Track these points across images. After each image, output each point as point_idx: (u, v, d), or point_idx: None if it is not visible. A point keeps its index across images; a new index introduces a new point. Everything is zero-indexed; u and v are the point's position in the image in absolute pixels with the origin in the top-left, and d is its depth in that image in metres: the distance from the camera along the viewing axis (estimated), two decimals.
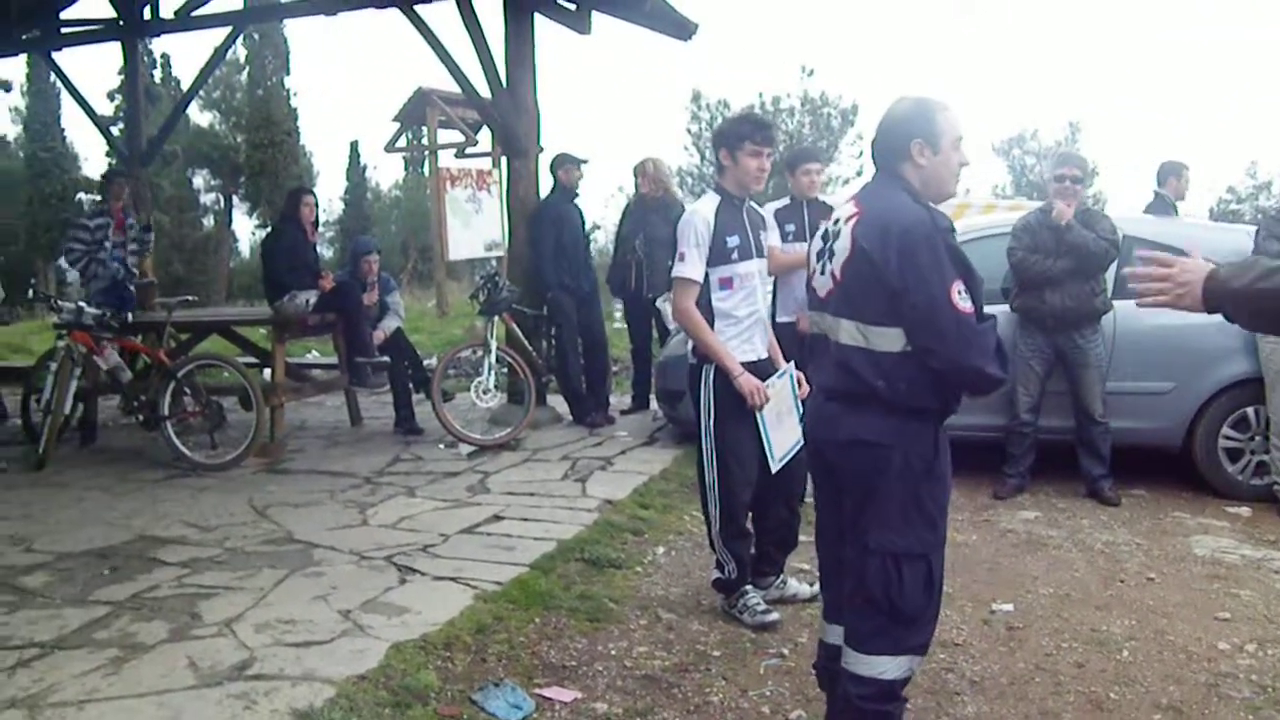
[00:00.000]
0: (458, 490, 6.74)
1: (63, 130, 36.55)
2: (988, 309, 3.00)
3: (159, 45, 33.79)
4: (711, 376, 4.56)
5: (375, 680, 3.81)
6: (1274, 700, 3.90)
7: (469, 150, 16.92)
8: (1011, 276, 6.72)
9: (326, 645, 4.13)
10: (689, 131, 29.66)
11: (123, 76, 12.34)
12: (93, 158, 41.25)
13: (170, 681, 3.77)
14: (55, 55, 11.74)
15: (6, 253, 36.31)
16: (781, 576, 5.00)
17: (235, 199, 36.94)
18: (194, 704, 3.59)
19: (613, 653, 4.32)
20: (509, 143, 9.09)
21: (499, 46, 8.74)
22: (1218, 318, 2.57)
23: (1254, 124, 58.39)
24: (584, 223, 9.19)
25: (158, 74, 34.65)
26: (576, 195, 9.00)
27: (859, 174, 28.90)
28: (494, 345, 8.35)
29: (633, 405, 9.41)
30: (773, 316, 5.01)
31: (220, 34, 11.10)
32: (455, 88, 9.35)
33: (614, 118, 66.41)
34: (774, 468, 4.52)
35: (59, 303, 8.05)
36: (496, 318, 8.41)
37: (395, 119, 17.55)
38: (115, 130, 16.75)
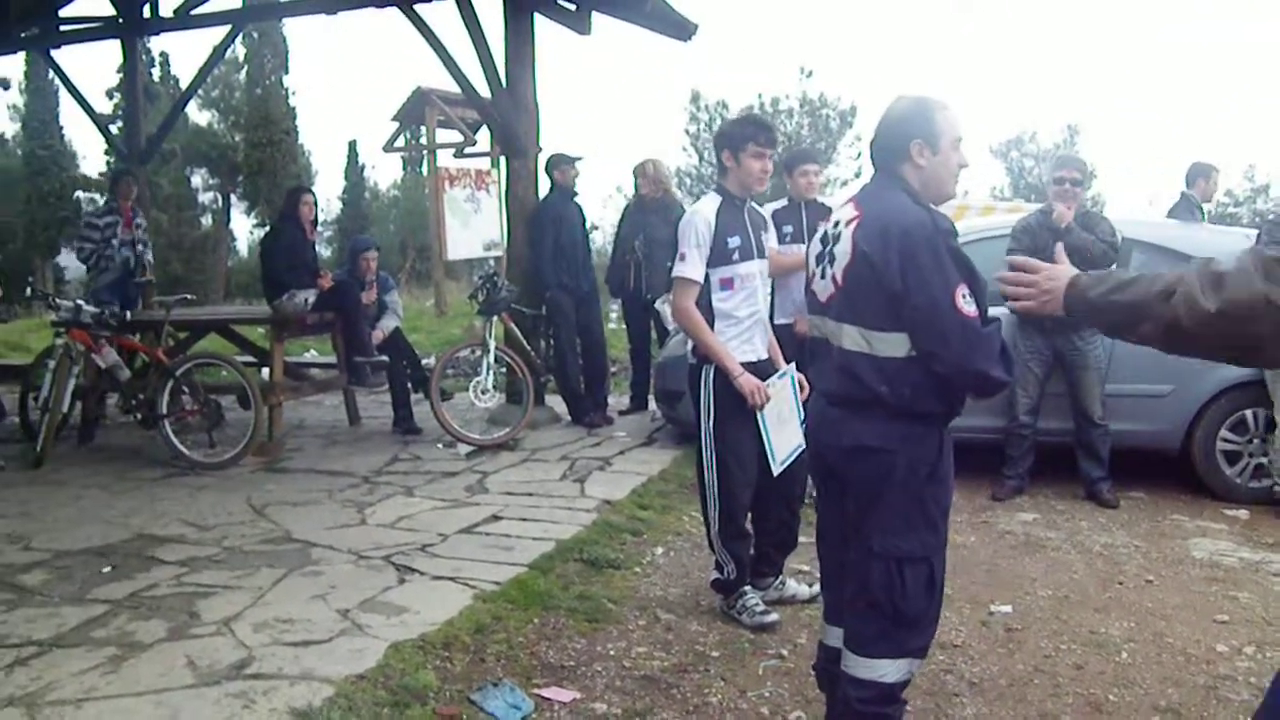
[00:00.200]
0: (456, 490, 6.74)
1: (61, 128, 36.50)
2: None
3: (158, 44, 33.83)
4: (711, 377, 4.56)
5: (374, 680, 3.81)
6: None
7: (468, 150, 16.92)
8: None
9: (325, 645, 4.12)
10: (687, 132, 29.65)
11: (122, 75, 12.28)
12: (91, 156, 41.22)
13: (168, 680, 3.77)
14: (54, 53, 11.72)
15: (5, 251, 36.26)
16: (780, 577, 5.00)
17: (233, 198, 36.92)
18: (192, 703, 3.59)
19: (611, 653, 4.32)
20: (508, 142, 9.08)
21: (499, 46, 8.74)
22: None
23: (1251, 126, 58.43)
24: (584, 222, 9.19)
25: (156, 72, 34.64)
26: (575, 194, 9.00)
27: (857, 175, 28.86)
28: (492, 345, 8.35)
29: (631, 406, 9.41)
30: (770, 319, 5.00)
31: (219, 32, 11.09)
32: (454, 87, 9.35)
33: (613, 118, 66.53)
34: (775, 470, 4.52)
35: (57, 301, 8.06)
36: (495, 317, 8.41)
37: (394, 118, 17.54)
38: (114, 128, 16.72)
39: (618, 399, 9.64)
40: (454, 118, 16.34)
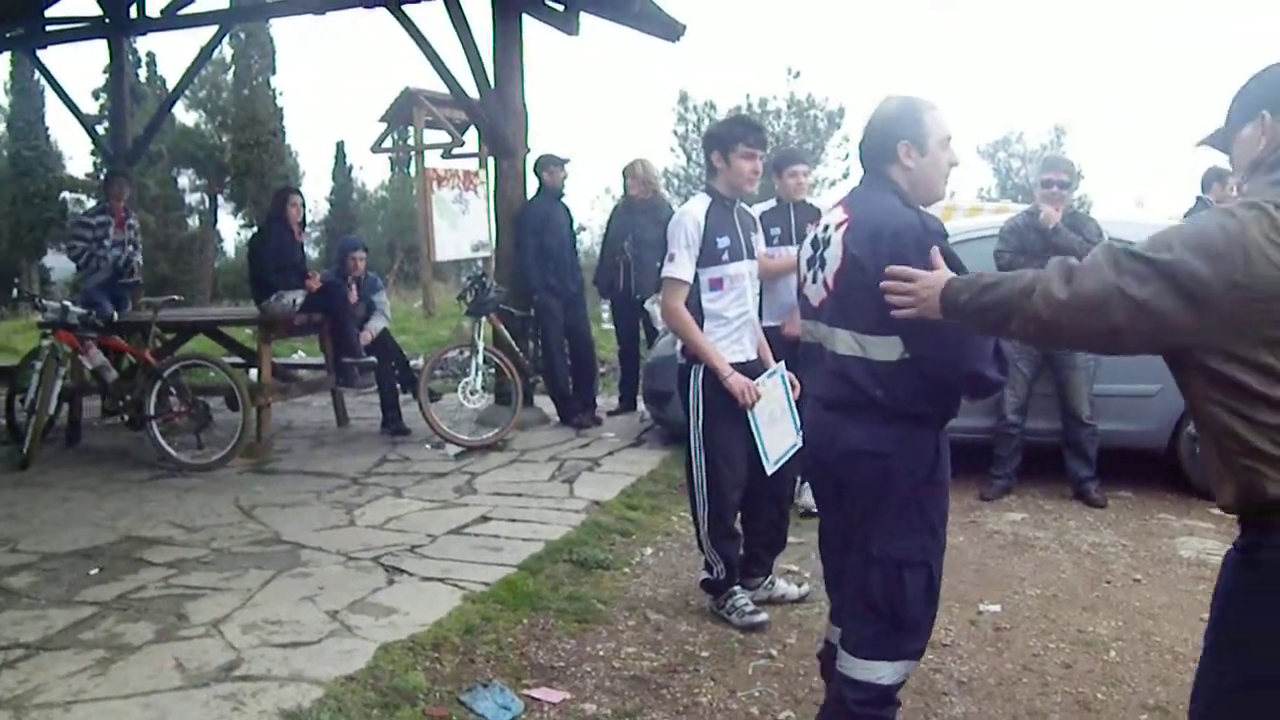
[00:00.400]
0: (445, 491, 6.73)
1: (47, 129, 36.32)
2: None
3: (145, 44, 33.65)
4: (700, 377, 4.57)
5: (363, 681, 3.81)
6: None
7: (456, 151, 16.88)
8: None
9: (314, 646, 4.12)
10: (675, 133, 29.66)
11: (108, 75, 12.26)
12: (77, 157, 41.03)
13: (157, 682, 3.76)
14: (40, 53, 11.67)
15: None
16: (770, 577, 5.00)
17: (220, 199, 36.78)
18: (181, 705, 3.59)
19: (601, 653, 4.32)
20: (496, 143, 9.08)
21: (487, 47, 8.73)
22: None
23: None
24: (572, 223, 9.18)
25: (143, 73, 34.50)
26: (563, 195, 9.00)
27: (845, 176, 28.89)
28: (481, 346, 8.34)
29: (620, 406, 9.41)
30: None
31: (206, 33, 11.06)
32: (442, 88, 9.34)
33: (601, 119, 66.55)
34: (769, 470, 4.51)
35: (43, 302, 8.04)
36: (483, 318, 8.40)
37: (382, 119, 17.51)
38: (100, 129, 16.68)
39: (606, 400, 9.63)
40: (442, 118, 16.31)
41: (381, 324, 8.97)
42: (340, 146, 41.97)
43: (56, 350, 7.66)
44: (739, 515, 4.82)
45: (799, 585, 5.07)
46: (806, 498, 6.32)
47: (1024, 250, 6.58)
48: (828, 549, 3.39)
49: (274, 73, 35.85)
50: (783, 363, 4.79)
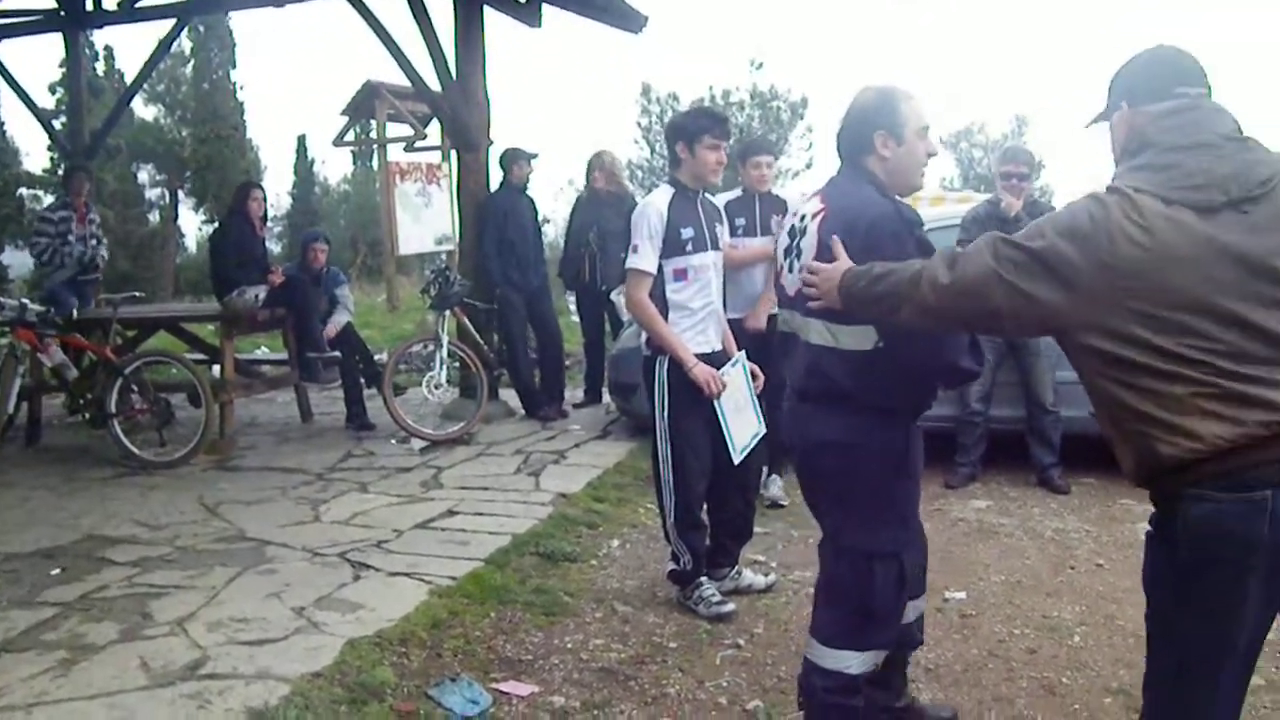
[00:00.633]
0: (411, 485, 6.71)
1: (2, 124, 35.84)
2: None
3: (102, 37, 33.20)
4: (665, 368, 4.57)
5: (330, 678, 3.80)
6: None
7: (418, 144, 16.82)
8: None
9: (280, 643, 4.10)
10: (639, 125, 29.61)
11: (64, 69, 12.10)
12: (34, 152, 40.56)
13: (122, 682, 3.73)
14: None
15: None
16: (737, 568, 5.02)
17: (181, 194, 36.40)
18: (146, 705, 3.56)
19: (569, 646, 4.32)
20: (459, 136, 9.05)
21: (449, 39, 8.69)
22: None
23: None
24: (536, 215, 9.16)
25: (101, 66, 34.05)
26: (526, 188, 8.98)
27: (809, 166, 28.98)
28: (445, 340, 8.32)
29: (585, 399, 9.41)
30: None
31: (165, 26, 10.97)
32: (404, 81, 9.27)
33: (564, 111, 66.32)
34: (736, 459, 4.52)
35: (1, 300, 7.93)
36: (448, 312, 8.37)
37: (343, 112, 17.40)
38: (57, 124, 16.47)
39: (572, 392, 9.62)
40: (404, 111, 16.25)
41: (345, 318, 8.91)
42: (302, 140, 41.56)
43: (15, 348, 7.56)
44: (705, 506, 4.84)
45: (765, 575, 5.08)
46: (773, 489, 6.35)
47: None
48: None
49: (234, 66, 35.47)
50: (743, 352, 4.81)
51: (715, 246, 4.71)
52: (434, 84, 8.78)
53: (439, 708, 3.70)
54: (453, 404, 8.60)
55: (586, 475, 6.87)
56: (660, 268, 4.56)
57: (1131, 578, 5.12)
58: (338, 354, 8.60)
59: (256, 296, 8.26)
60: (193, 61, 35.11)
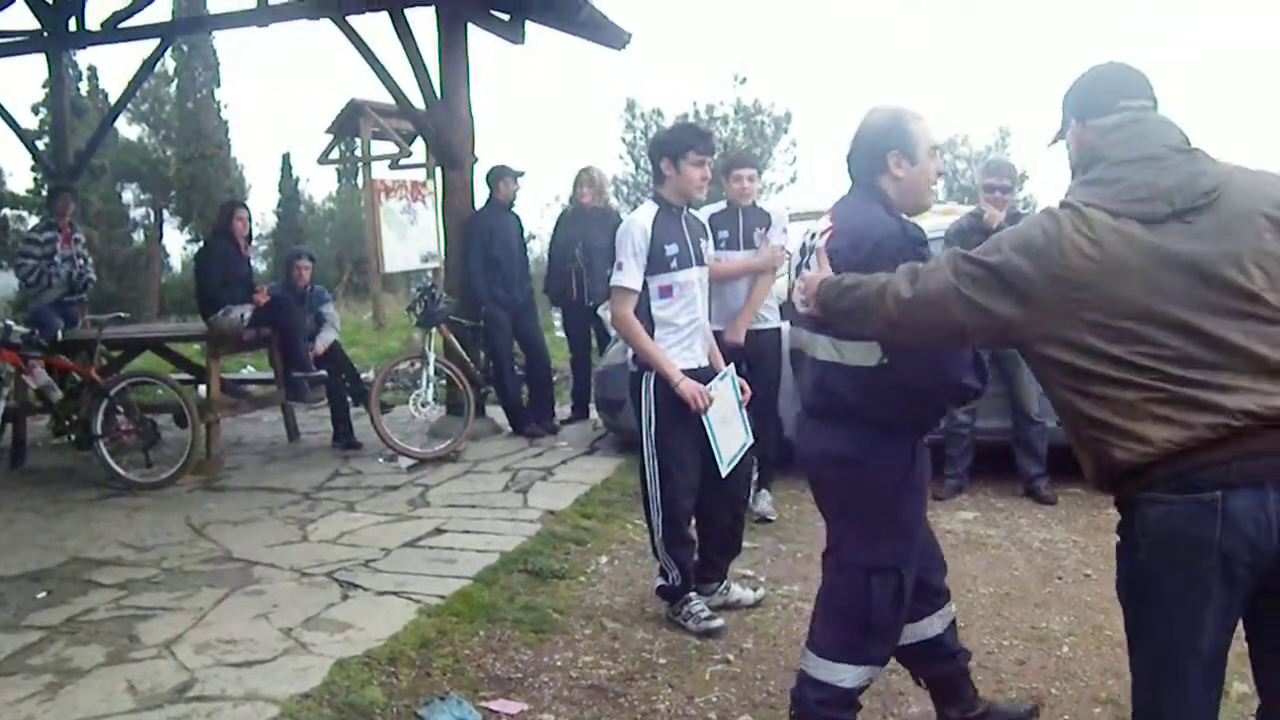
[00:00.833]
0: (398, 504, 6.70)
1: None
2: None
3: (85, 57, 33.09)
4: (652, 384, 4.58)
5: (319, 698, 3.79)
6: None
7: (403, 161, 16.82)
8: None
9: (269, 664, 4.09)
10: (624, 140, 29.61)
11: (47, 89, 12.08)
12: (17, 173, 40.31)
13: (109, 706, 3.72)
14: None
15: None
16: (725, 582, 5.02)
17: (166, 213, 36.30)
18: None
19: (558, 663, 4.31)
20: (444, 154, 9.05)
21: (433, 57, 8.70)
22: None
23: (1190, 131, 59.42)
24: (522, 232, 9.17)
25: (84, 86, 33.97)
26: (512, 205, 8.99)
27: (793, 180, 29.02)
28: (432, 357, 8.31)
29: (573, 415, 9.40)
30: None
31: (149, 45, 10.94)
32: (388, 99, 9.29)
33: (549, 127, 66.34)
34: (724, 472, 4.54)
35: None
36: (434, 329, 8.37)
37: (328, 131, 17.39)
38: (40, 144, 16.43)
39: (559, 408, 9.61)
40: (389, 129, 16.25)
41: (332, 336, 8.89)
42: (286, 159, 41.50)
43: None
44: (693, 521, 4.84)
45: (754, 590, 5.09)
46: (762, 504, 6.35)
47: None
48: None
49: (218, 85, 35.45)
50: (732, 365, 4.83)
51: (700, 262, 4.73)
52: (418, 102, 8.79)
53: None
54: (440, 422, 8.59)
55: (574, 492, 6.86)
56: (645, 284, 4.57)
57: None
58: (324, 373, 8.59)
59: (242, 316, 8.24)
60: (177, 81, 35.07)
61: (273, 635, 4.39)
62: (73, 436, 7.67)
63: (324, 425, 9.14)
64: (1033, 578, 5.35)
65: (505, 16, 9.02)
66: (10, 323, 7.74)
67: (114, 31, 10.55)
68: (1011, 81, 67.23)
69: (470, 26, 8.86)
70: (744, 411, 4.74)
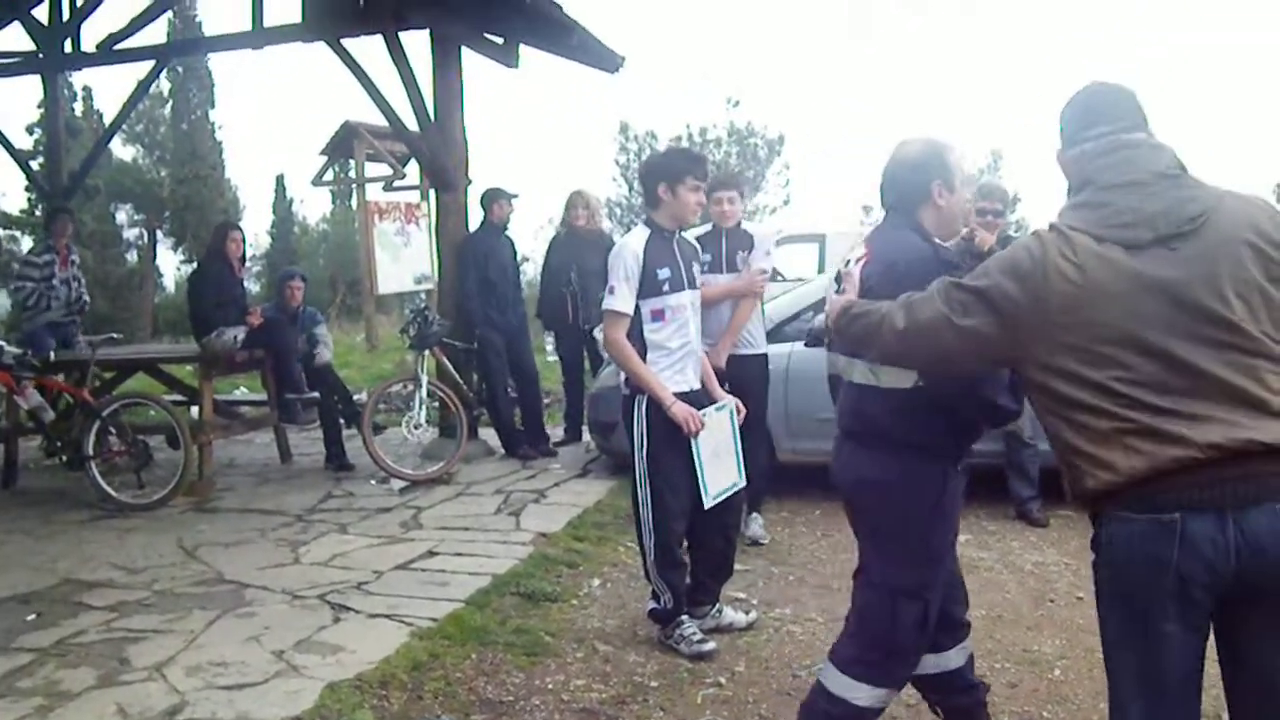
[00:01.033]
0: (390, 526, 6.69)
1: None
2: None
3: (80, 78, 33.11)
4: (644, 407, 4.58)
5: None
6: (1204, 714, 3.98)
7: (397, 183, 16.86)
8: None
9: (260, 687, 4.08)
10: (617, 163, 29.66)
11: (42, 110, 12.10)
12: (11, 193, 40.34)
13: None
14: None
15: None
16: (717, 606, 5.01)
17: (160, 234, 36.31)
18: None
19: (550, 686, 4.30)
20: (437, 176, 9.08)
21: (427, 80, 8.74)
22: None
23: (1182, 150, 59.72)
24: (515, 255, 9.19)
25: (79, 107, 33.99)
26: (506, 228, 9.01)
27: (786, 203, 29.06)
28: (425, 379, 8.32)
29: (565, 437, 9.39)
30: None
31: (144, 67, 10.98)
32: (383, 121, 9.32)
33: (542, 150, 66.49)
34: (706, 503, 4.55)
35: None
36: (427, 352, 8.38)
37: (322, 152, 17.44)
38: (35, 165, 16.46)
39: (551, 430, 9.61)
40: (383, 151, 16.28)
41: (328, 355, 8.91)
42: (280, 180, 41.60)
43: None
44: (685, 544, 4.84)
45: (746, 613, 5.08)
46: (754, 528, 6.35)
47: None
48: None
49: (213, 106, 35.53)
50: (734, 399, 4.84)
51: (693, 285, 4.75)
52: (412, 124, 8.82)
53: None
54: (432, 444, 8.58)
55: (567, 514, 6.86)
56: (638, 308, 4.58)
57: None
58: (316, 395, 8.58)
59: (235, 338, 8.25)
60: (171, 102, 35.12)
61: (264, 658, 4.38)
62: (64, 457, 7.66)
63: (316, 447, 9.13)
64: (1025, 600, 5.36)
65: (499, 40, 9.08)
66: (3, 343, 7.74)
67: (109, 53, 10.57)
68: (1003, 103, 67.54)
69: (464, 50, 8.90)
70: (740, 452, 4.76)
